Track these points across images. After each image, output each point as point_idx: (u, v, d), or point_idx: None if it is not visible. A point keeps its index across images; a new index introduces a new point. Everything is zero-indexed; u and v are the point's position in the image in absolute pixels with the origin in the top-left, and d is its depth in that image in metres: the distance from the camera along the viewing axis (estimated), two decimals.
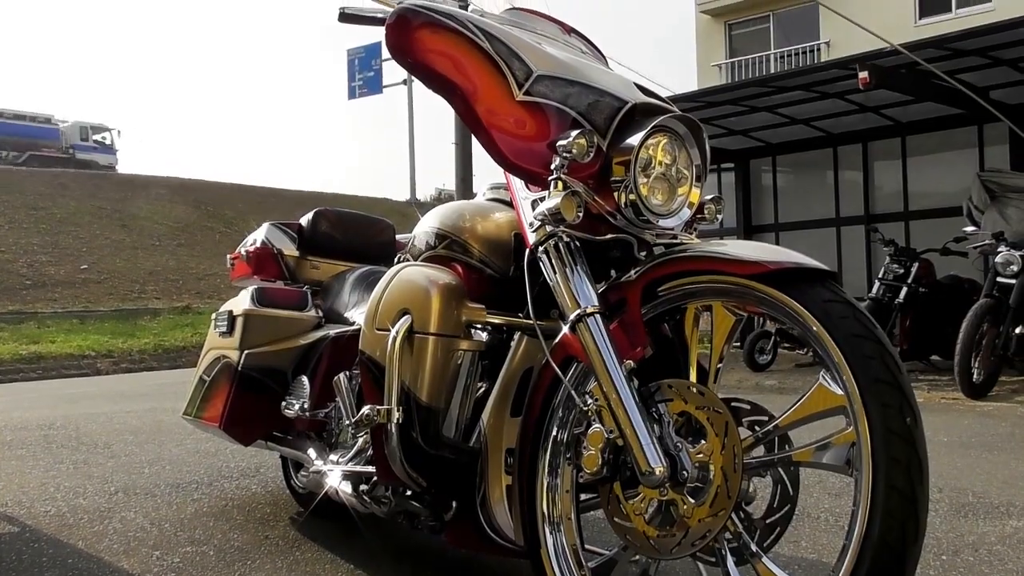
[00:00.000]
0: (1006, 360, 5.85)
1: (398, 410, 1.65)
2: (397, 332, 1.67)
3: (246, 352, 2.49)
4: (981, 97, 7.09)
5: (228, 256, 2.95)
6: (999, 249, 6.01)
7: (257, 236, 2.83)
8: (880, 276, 7.27)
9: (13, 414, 5.90)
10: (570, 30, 1.89)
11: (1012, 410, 5.16)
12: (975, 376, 5.59)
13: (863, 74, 6.73)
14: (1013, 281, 5.82)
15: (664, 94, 1.75)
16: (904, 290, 7.02)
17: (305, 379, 2.40)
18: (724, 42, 19.53)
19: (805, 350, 7.93)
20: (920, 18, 16.78)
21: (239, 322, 2.52)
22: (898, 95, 7.75)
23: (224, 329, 2.58)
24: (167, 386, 7.96)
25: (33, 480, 3.39)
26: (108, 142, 30.60)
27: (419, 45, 1.58)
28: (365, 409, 1.66)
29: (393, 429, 1.65)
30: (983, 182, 7.18)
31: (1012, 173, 7.41)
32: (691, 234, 1.67)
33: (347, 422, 2.07)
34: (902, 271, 7.10)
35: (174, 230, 21.64)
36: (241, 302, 2.58)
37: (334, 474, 2.04)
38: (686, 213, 1.62)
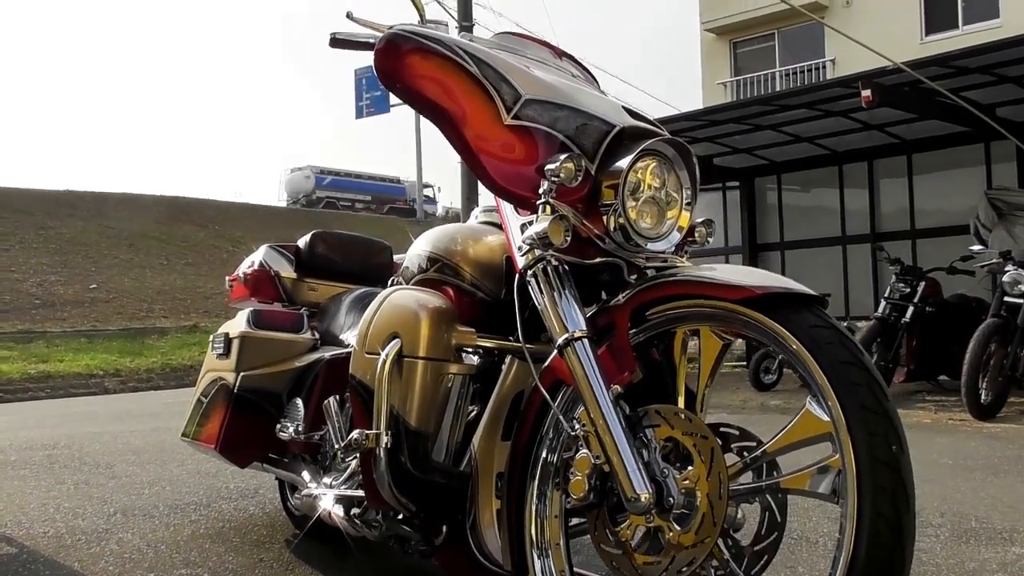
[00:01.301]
0: (1014, 380, 5.79)
1: (387, 434, 1.64)
2: (387, 356, 1.67)
3: (242, 374, 2.49)
4: (987, 115, 7.05)
5: (227, 278, 2.96)
6: (1006, 268, 5.96)
7: (255, 258, 2.83)
8: (886, 295, 7.21)
9: (19, 433, 5.91)
10: (561, 54, 1.90)
11: (1020, 432, 5.09)
12: (983, 397, 5.53)
13: (866, 92, 6.71)
14: (1021, 301, 5.77)
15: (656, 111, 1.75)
16: (911, 309, 6.96)
17: (300, 401, 2.39)
18: (729, 60, 19.58)
19: None
20: (927, 35, 16.78)
21: (235, 344, 2.53)
22: (903, 113, 7.73)
23: (221, 351, 2.59)
24: (173, 405, 7.94)
25: (34, 501, 3.40)
26: (432, 195, 35.82)
27: (408, 70, 1.59)
28: (354, 433, 1.66)
29: (382, 454, 1.64)
30: (990, 200, 7.14)
31: (1020, 191, 7.36)
32: (682, 257, 1.67)
33: (338, 446, 2.07)
34: (908, 290, 7.04)
35: (182, 249, 21.73)
36: (237, 324, 2.58)
37: (327, 497, 2.04)
38: (676, 236, 1.62)
